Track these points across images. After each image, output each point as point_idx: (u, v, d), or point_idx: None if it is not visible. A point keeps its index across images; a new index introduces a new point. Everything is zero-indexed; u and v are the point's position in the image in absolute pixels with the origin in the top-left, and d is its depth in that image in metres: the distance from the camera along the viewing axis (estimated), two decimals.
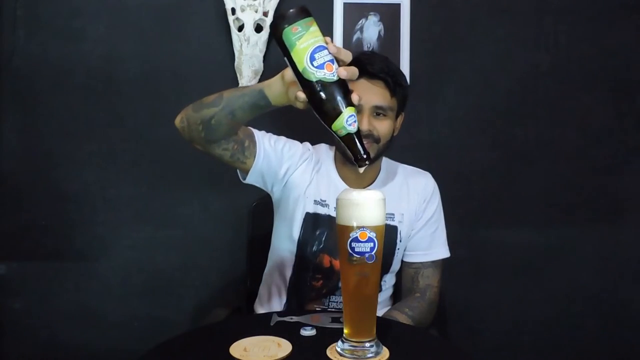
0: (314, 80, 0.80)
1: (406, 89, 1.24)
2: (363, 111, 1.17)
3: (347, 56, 0.83)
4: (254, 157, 1.17)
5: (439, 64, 1.80)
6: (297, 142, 1.28)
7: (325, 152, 1.33)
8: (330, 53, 0.81)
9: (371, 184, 1.28)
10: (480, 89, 1.81)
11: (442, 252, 1.31)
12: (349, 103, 0.81)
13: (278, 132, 1.28)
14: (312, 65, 0.79)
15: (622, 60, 1.82)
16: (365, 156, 0.83)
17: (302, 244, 1.23)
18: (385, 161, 1.34)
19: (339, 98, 0.80)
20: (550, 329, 1.85)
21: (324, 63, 0.80)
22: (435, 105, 1.80)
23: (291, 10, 0.81)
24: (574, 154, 1.83)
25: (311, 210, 1.24)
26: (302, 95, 0.83)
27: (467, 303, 1.82)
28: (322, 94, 0.80)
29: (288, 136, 1.29)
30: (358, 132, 0.82)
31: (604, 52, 1.81)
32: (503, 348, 1.84)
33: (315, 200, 1.24)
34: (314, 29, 0.81)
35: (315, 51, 0.80)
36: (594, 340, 1.85)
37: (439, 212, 1.33)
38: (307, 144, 1.32)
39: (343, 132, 0.81)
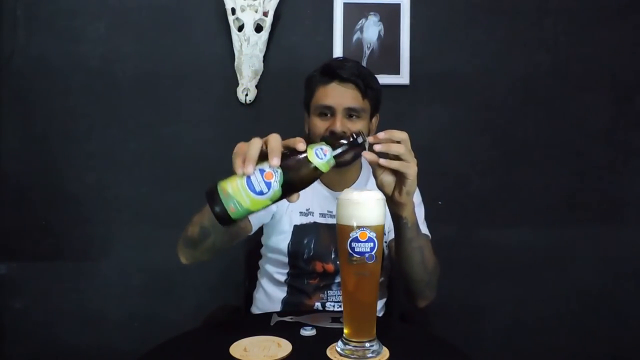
0: (278, 198, 0.77)
1: (378, 92, 1.26)
2: (336, 114, 1.19)
3: (275, 143, 0.77)
4: (250, 222, 1.20)
5: (439, 64, 1.80)
6: None
7: None
8: (263, 169, 0.76)
9: (353, 183, 1.28)
10: (480, 89, 1.81)
11: (425, 229, 1.28)
12: (307, 159, 0.77)
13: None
14: (264, 195, 0.76)
15: (621, 60, 1.82)
16: (353, 138, 0.81)
17: (293, 254, 1.25)
18: (366, 161, 1.35)
19: (299, 170, 0.78)
20: (550, 328, 1.85)
21: (265, 182, 0.76)
22: (435, 105, 1.81)
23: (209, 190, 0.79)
24: (574, 154, 1.83)
25: (298, 222, 1.26)
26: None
27: (467, 303, 1.82)
28: (293, 186, 0.77)
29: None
30: (334, 145, 0.80)
31: (604, 52, 1.82)
32: (503, 348, 1.84)
33: (300, 212, 1.26)
34: (231, 182, 0.77)
35: (250, 188, 0.75)
36: (594, 340, 1.85)
37: (420, 208, 1.32)
38: None
39: (332, 162, 0.79)
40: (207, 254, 1.10)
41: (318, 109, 1.21)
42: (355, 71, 1.20)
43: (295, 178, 0.78)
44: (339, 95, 1.19)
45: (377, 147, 0.91)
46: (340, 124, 1.18)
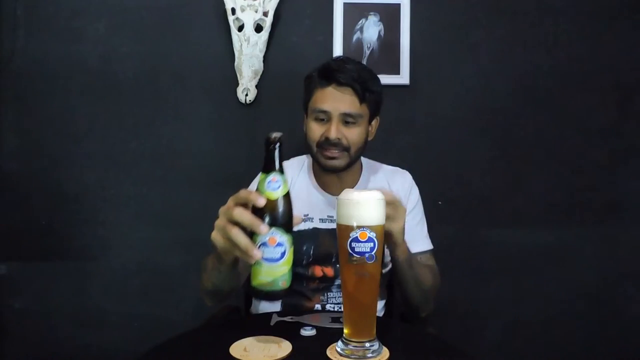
0: (292, 238, 0.84)
1: (378, 94, 1.24)
2: (332, 119, 1.18)
3: (246, 216, 0.81)
4: None
5: (439, 64, 1.80)
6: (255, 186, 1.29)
7: (297, 166, 1.34)
8: (265, 241, 0.81)
9: (352, 187, 1.28)
10: (480, 89, 1.81)
11: (427, 243, 1.31)
12: (271, 200, 0.81)
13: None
14: (286, 251, 0.81)
15: (622, 60, 1.82)
16: (273, 146, 0.83)
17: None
18: (366, 163, 1.35)
19: (278, 212, 0.82)
20: (550, 329, 1.85)
21: (276, 246, 0.81)
22: (436, 105, 1.81)
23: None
24: (574, 154, 1.83)
25: (295, 229, 1.24)
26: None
27: (467, 303, 1.82)
28: (289, 221, 0.83)
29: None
30: (268, 168, 0.82)
31: (604, 52, 1.81)
32: (503, 348, 1.84)
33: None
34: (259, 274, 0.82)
35: (273, 261, 0.81)
36: (594, 340, 1.85)
37: (419, 205, 1.34)
38: None
39: (284, 176, 0.83)
40: (229, 294, 1.13)
41: (314, 113, 1.20)
42: (354, 75, 1.18)
43: (283, 218, 0.82)
44: (335, 100, 1.17)
45: None
46: (335, 131, 1.17)
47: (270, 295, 0.83)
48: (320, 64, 1.24)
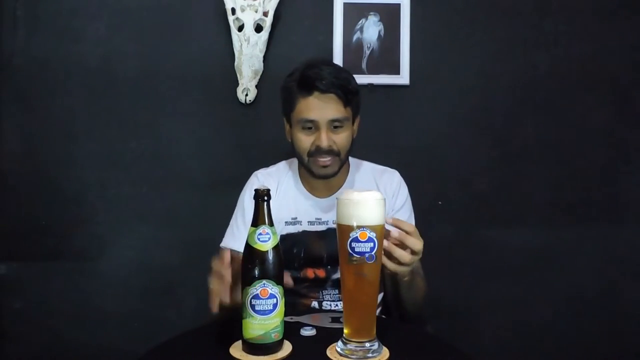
0: (283, 290, 0.85)
1: (358, 94, 1.23)
2: (320, 127, 1.17)
3: (226, 281, 0.87)
4: None
5: (439, 64, 1.80)
6: (248, 193, 1.29)
7: (284, 170, 1.34)
8: (257, 293, 0.82)
9: (339, 189, 1.28)
10: (480, 89, 1.81)
11: None
12: (262, 252, 0.83)
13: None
14: (278, 303, 0.83)
15: (622, 60, 1.82)
16: (263, 198, 0.85)
17: None
18: (353, 162, 1.35)
19: (269, 263, 0.83)
20: (550, 328, 1.85)
21: (268, 298, 0.82)
22: (435, 105, 1.81)
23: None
24: (574, 154, 1.83)
25: (283, 232, 1.25)
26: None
27: (467, 303, 1.82)
28: (280, 273, 0.84)
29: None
30: (258, 220, 0.84)
31: (604, 52, 1.82)
32: (503, 348, 1.84)
33: (285, 222, 1.26)
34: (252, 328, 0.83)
35: (266, 314, 0.82)
36: (594, 340, 1.85)
37: (408, 203, 1.33)
38: (257, 175, 1.34)
39: (274, 227, 0.85)
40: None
41: (301, 123, 1.19)
42: (333, 80, 1.16)
43: (274, 270, 0.83)
44: (321, 108, 1.17)
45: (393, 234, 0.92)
46: (325, 139, 1.16)
47: (262, 349, 0.82)
48: (294, 70, 1.22)
